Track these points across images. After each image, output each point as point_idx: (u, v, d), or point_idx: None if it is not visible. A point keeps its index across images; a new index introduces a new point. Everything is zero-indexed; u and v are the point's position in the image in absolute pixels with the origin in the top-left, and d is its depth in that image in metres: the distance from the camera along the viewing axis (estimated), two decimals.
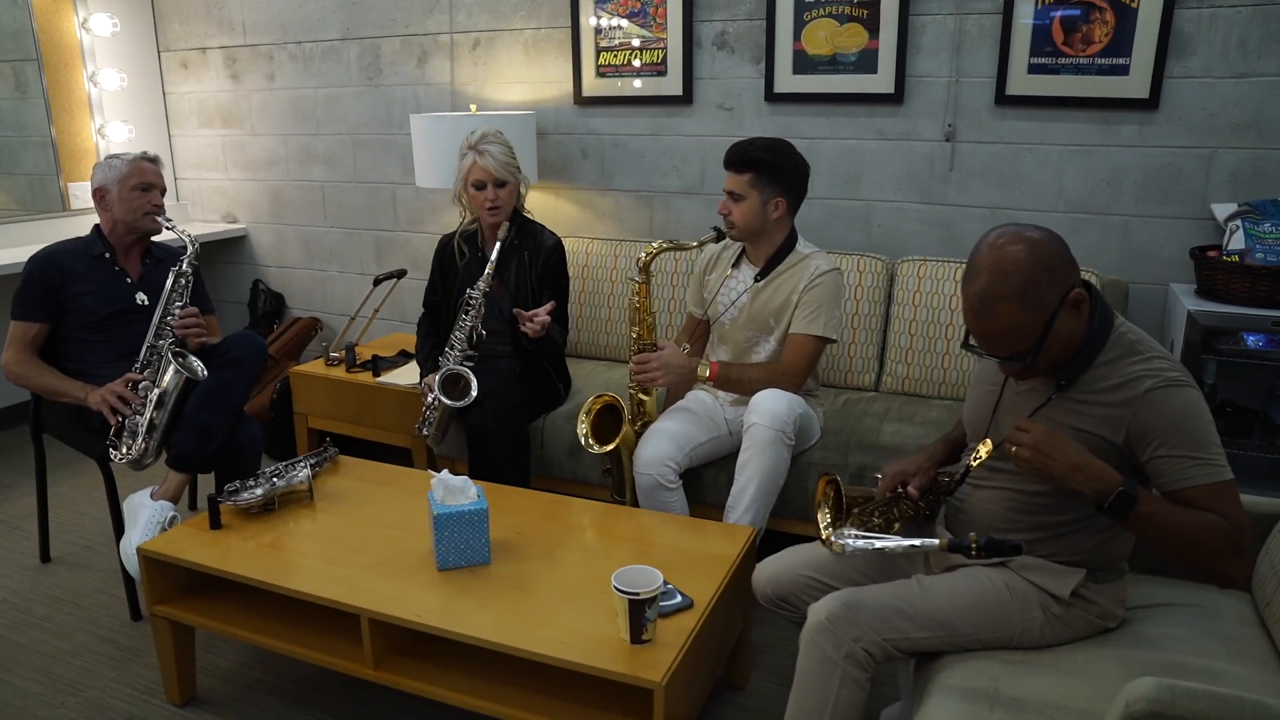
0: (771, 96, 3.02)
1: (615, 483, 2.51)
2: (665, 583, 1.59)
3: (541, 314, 2.44)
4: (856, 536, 1.37)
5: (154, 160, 2.51)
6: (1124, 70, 2.60)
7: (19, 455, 3.47)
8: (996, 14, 2.70)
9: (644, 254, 2.42)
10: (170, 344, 2.38)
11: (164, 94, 4.14)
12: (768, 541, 2.23)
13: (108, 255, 2.48)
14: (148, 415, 2.29)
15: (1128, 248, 2.74)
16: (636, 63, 3.19)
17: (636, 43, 3.17)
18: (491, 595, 1.76)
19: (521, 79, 3.40)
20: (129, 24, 3.92)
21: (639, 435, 2.40)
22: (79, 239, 2.50)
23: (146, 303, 2.48)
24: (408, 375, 3.02)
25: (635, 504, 2.38)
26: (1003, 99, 2.75)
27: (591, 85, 3.28)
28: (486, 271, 2.51)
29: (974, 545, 1.34)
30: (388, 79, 3.63)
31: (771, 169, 2.29)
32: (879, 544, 1.37)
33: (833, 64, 2.92)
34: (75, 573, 2.63)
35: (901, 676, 1.92)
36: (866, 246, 2.99)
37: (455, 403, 2.44)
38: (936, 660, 1.51)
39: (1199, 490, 1.36)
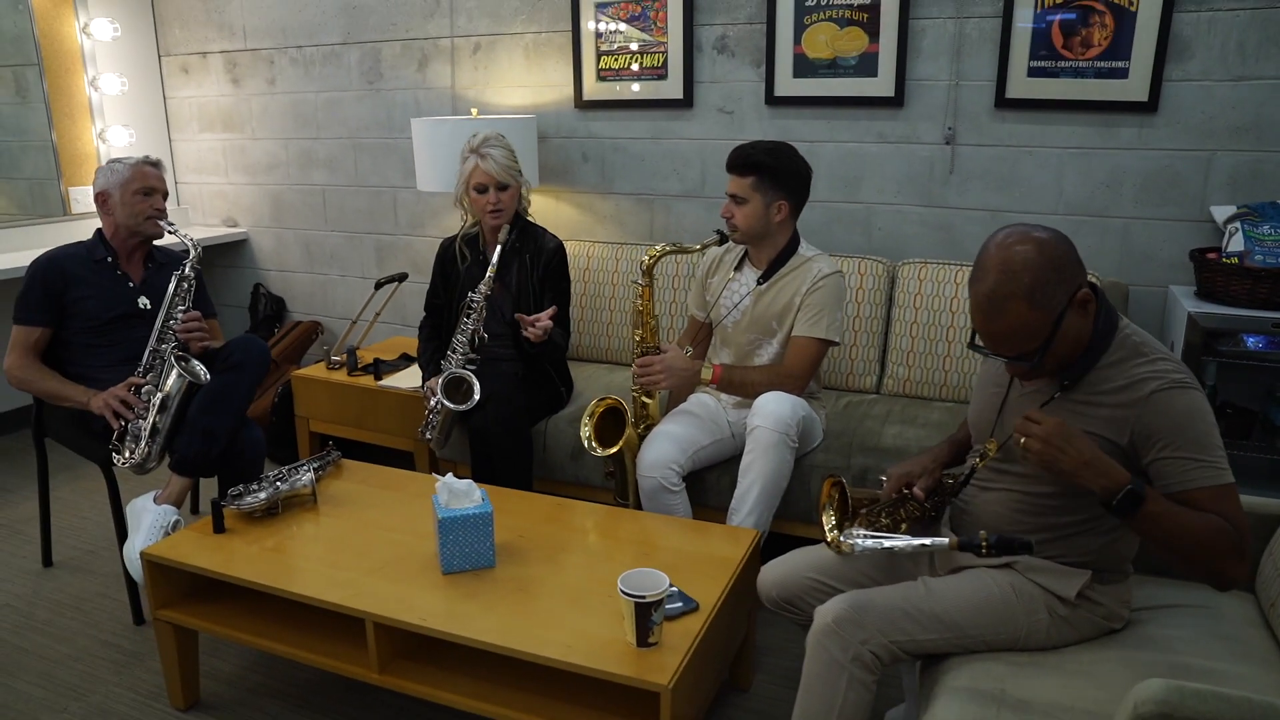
0: (772, 100, 3.03)
1: (618, 485, 2.51)
2: (671, 585, 1.59)
3: (544, 319, 2.44)
4: (865, 536, 1.38)
5: (156, 164, 2.51)
6: (1123, 73, 2.61)
7: (21, 459, 3.47)
8: (996, 18, 2.71)
9: (647, 257, 2.42)
10: (173, 348, 2.38)
11: (164, 98, 4.14)
12: (771, 544, 2.23)
13: (110, 259, 2.48)
14: (150, 419, 2.29)
15: (1127, 250, 2.75)
16: (636, 66, 3.20)
17: (636, 46, 3.18)
18: (496, 598, 1.76)
19: (522, 83, 3.41)
20: (130, 29, 3.93)
21: (642, 438, 2.40)
22: (81, 243, 2.50)
23: (149, 307, 2.48)
24: (409, 378, 3.02)
25: (638, 507, 2.38)
26: (1002, 102, 2.76)
27: (592, 89, 3.29)
28: (488, 274, 2.51)
29: (984, 543, 1.34)
30: (388, 83, 3.64)
31: (774, 172, 2.30)
32: (888, 543, 1.38)
33: (833, 67, 2.92)
34: (77, 577, 2.63)
35: (905, 678, 1.92)
36: (867, 249, 3.00)
37: (458, 406, 2.45)
38: (943, 662, 1.51)
39: (1202, 492, 1.37)
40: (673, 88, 3.16)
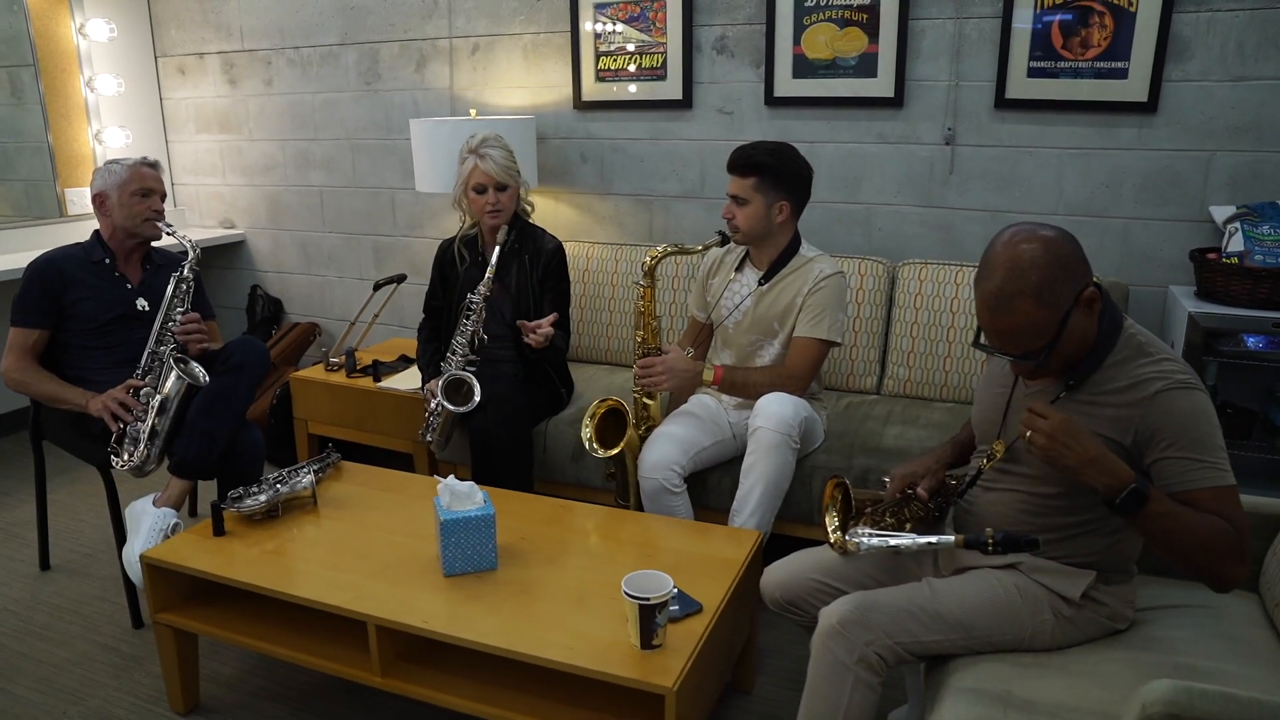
0: (771, 100, 3.03)
1: (620, 487, 2.51)
2: (674, 587, 1.59)
3: (545, 325, 2.44)
4: (870, 535, 1.37)
5: (154, 165, 2.50)
6: (1123, 74, 2.61)
7: (18, 462, 3.45)
8: (995, 18, 2.71)
9: (648, 258, 2.41)
10: (172, 350, 2.37)
11: (161, 99, 4.13)
12: (772, 545, 2.23)
13: (108, 261, 2.47)
14: (149, 422, 2.28)
15: (1127, 250, 2.76)
16: (635, 67, 3.19)
17: (635, 47, 3.17)
18: (499, 601, 1.75)
19: (521, 84, 3.40)
20: (126, 29, 3.91)
21: (643, 439, 2.40)
22: (79, 245, 2.49)
23: (147, 309, 2.47)
24: (408, 380, 3.02)
25: (639, 508, 2.38)
26: (1002, 102, 2.76)
27: (591, 90, 3.28)
28: (487, 276, 2.50)
29: (990, 541, 1.34)
30: (386, 84, 3.63)
31: (775, 173, 2.30)
32: (893, 542, 1.37)
33: (832, 68, 2.92)
34: (76, 580, 2.62)
35: (909, 679, 1.91)
36: (867, 250, 3.00)
37: (458, 408, 2.44)
38: (948, 663, 1.51)
39: (1203, 493, 1.36)
40: (672, 88, 3.15)
